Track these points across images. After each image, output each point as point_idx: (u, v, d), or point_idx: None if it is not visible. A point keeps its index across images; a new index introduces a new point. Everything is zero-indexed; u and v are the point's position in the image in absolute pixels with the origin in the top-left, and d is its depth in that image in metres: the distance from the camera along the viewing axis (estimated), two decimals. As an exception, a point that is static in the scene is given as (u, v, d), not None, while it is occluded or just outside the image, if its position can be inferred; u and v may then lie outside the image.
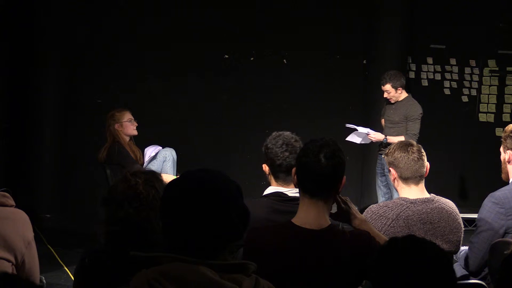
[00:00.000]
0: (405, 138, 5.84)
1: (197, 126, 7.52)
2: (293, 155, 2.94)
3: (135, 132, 5.59)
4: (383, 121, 6.68)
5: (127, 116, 5.57)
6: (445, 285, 1.80)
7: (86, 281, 2.20)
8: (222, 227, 1.66)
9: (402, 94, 6.38)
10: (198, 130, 7.51)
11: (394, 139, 6.00)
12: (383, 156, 5.69)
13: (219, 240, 1.67)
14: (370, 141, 6.44)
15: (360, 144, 6.63)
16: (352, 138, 6.44)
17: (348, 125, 6.44)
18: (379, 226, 2.98)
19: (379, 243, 2.35)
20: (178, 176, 1.86)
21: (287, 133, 3.05)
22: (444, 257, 1.84)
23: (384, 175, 6.39)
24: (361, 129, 6.36)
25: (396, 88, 6.30)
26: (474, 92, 8.06)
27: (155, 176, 2.26)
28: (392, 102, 6.44)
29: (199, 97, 7.51)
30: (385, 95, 6.38)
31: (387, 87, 6.32)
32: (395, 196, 6.16)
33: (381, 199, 6.46)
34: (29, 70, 6.92)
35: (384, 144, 6.33)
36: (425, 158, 3.15)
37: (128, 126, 5.55)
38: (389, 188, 6.39)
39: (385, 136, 6.34)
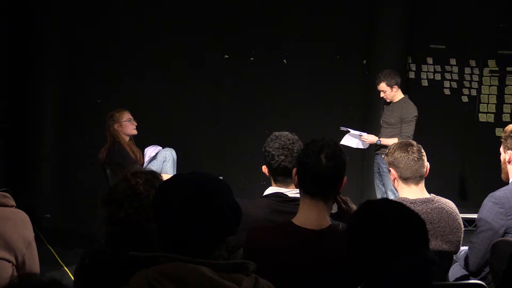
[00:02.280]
0: (398, 140, 5.83)
1: (197, 126, 7.52)
2: (289, 158, 2.93)
3: (135, 132, 5.59)
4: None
5: (126, 116, 5.56)
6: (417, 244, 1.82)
7: (86, 281, 2.20)
8: (214, 221, 1.67)
9: (398, 94, 6.38)
10: (198, 130, 7.51)
11: (387, 141, 6.05)
12: (382, 156, 5.70)
13: (213, 235, 1.68)
14: (367, 145, 6.45)
15: (357, 149, 6.62)
16: (347, 141, 6.43)
17: (342, 128, 6.46)
18: (379, 226, 2.98)
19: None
20: None
21: (286, 134, 3.04)
22: (418, 217, 1.86)
23: (381, 174, 6.40)
24: (353, 131, 6.37)
25: (391, 86, 6.30)
26: (474, 92, 8.06)
27: (155, 176, 2.27)
28: (388, 101, 6.44)
29: (199, 97, 7.51)
30: (381, 94, 6.40)
31: (382, 86, 6.33)
32: (389, 195, 6.18)
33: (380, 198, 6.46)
34: (29, 70, 6.92)
35: (378, 146, 6.35)
36: (425, 158, 3.15)
37: (128, 126, 5.55)
38: (385, 187, 6.40)
39: (379, 138, 6.35)
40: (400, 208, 1.88)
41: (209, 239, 1.68)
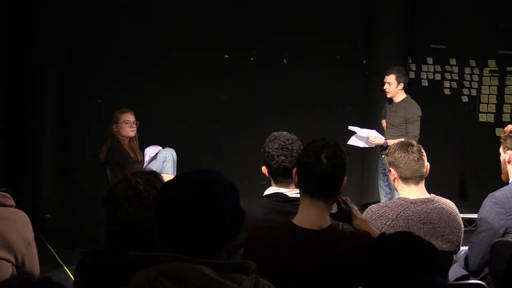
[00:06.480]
0: None
1: (197, 126, 7.52)
2: (289, 158, 2.93)
3: (131, 134, 5.57)
4: (383, 122, 6.68)
5: (125, 117, 5.56)
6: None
7: (86, 281, 2.20)
8: (214, 228, 1.66)
9: (401, 94, 6.39)
10: (198, 130, 7.51)
11: (394, 142, 5.99)
12: (383, 156, 5.69)
13: (211, 241, 1.67)
14: (373, 145, 6.44)
15: (364, 148, 6.63)
16: (354, 142, 6.42)
17: (350, 128, 6.43)
18: (379, 226, 2.98)
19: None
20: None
21: (284, 134, 3.03)
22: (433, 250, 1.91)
23: (386, 175, 6.38)
24: (360, 132, 6.35)
25: (398, 83, 6.31)
26: (474, 92, 8.06)
27: (156, 176, 2.26)
28: (388, 96, 6.43)
29: (199, 97, 7.51)
30: (385, 86, 6.38)
31: (391, 77, 6.31)
32: (396, 196, 6.16)
33: (383, 198, 6.46)
34: (28, 70, 6.92)
35: (384, 147, 6.34)
36: (425, 158, 3.15)
37: (123, 128, 5.55)
38: (391, 188, 6.39)
39: (385, 139, 6.33)
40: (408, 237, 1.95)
41: (209, 241, 1.67)
